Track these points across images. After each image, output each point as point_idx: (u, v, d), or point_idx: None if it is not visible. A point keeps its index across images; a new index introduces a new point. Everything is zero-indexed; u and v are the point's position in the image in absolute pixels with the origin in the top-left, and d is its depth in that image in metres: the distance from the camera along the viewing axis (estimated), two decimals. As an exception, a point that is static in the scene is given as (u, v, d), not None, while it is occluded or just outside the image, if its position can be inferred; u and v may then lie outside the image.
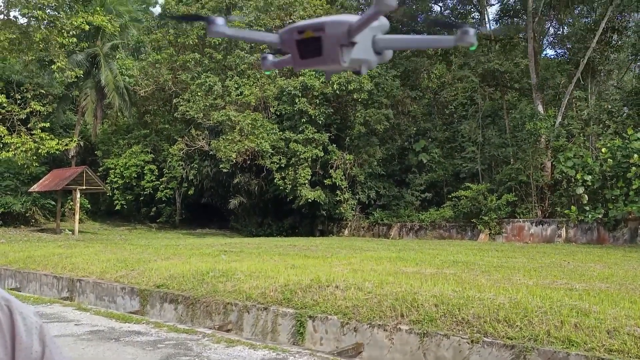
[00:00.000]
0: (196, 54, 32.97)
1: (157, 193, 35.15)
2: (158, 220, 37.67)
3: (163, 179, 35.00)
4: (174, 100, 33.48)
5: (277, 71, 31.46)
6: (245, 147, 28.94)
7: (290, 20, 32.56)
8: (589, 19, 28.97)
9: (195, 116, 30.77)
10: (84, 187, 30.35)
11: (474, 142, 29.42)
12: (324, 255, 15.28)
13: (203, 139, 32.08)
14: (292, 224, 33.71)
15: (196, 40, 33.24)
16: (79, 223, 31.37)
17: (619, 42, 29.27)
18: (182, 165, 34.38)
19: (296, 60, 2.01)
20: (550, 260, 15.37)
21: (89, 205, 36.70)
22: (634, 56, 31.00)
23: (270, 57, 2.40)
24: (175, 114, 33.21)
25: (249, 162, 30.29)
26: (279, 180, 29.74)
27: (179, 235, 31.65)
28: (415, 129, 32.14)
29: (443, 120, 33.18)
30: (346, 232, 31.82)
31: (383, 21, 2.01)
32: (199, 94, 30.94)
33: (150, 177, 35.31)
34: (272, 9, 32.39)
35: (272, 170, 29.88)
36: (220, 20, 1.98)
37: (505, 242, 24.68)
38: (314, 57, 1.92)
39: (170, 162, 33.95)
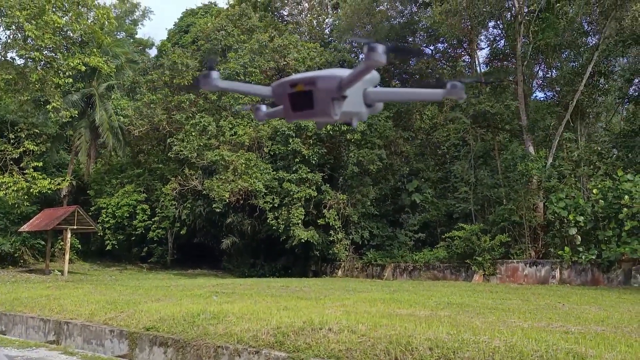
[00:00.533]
0: (191, 94, 33.35)
1: (149, 233, 34.90)
2: (149, 261, 37.27)
3: (155, 218, 34.81)
4: (168, 140, 33.65)
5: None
6: (239, 186, 28.95)
7: (285, 62, 33.14)
8: (576, 63, 29.64)
9: (189, 156, 30.87)
10: (75, 227, 30.09)
11: (466, 182, 29.56)
12: (317, 296, 15.08)
13: (196, 178, 32.09)
14: (285, 264, 33.42)
15: (191, 81, 33.65)
16: (69, 263, 30.94)
17: (606, 86, 29.88)
18: (174, 204, 34.26)
19: (288, 113, 2.05)
20: (545, 302, 15.23)
21: (79, 246, 36.32)
22: (621, 99, 31.65)
23: (263, 107, 2.44)
24: (169, 154, 33.32)
25: (242, 201, 30.24)
26: (272, 220, 29.63)
27: (170, 275, 31.25)
28: (408, 169, 32.33)
29: (436, 161, 33.42)
30: (340, 272, 31.54)
31: (374, 74, 2.06)
32: (193, 133, 31.13)
33: (142, 216, 35.11)
34: (267, 51, 32.98)
35: (266, 210, 29.81)
36: (214, 74, 2.02)
37: (500, 283, 24.49)
38: (305, 109, 1.96)
39: (163, 201, 33.85)
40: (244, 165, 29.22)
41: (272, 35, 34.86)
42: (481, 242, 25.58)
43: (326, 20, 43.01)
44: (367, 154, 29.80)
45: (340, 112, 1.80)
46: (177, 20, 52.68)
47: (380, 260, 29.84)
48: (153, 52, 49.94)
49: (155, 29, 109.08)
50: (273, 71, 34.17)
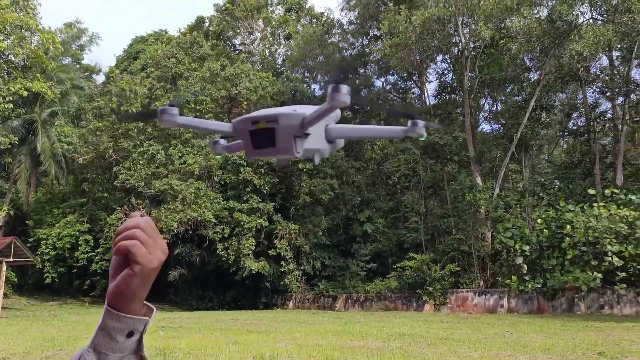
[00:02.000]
0: (139, 122, 32.62)
1: (91, 265, 33.42)
2: (92, 294, 35.60)
3: (99, 249, 33.42)
4: (114, 169, 32.64)
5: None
6: (188, 216, 28.27)
7: (236, 91, 33.01)
8: (519, 97, 30.85)
9: (136, 185, 29.99)
10: (12, 259, 28.45)
11: (417, 212, 29.92)
12: (268, 329, 14.69)
13: (143, 208, 31.13)
14: (234, 296, 32.62)
15: (140, 108, 32.95)
16: (3, 298, 29.14)
17: (547, 120, 31.17)
18: (120, 235, 32.98)
19: (249, 150, 1.97)
20: (494, 331, 15.37)
21: (15, 279, 34.38)
22: (561, 132, 33.04)
23: (221, 141, 2.36)
24: (115, 183, 32.25)
25: (191, 232, 29.50)
26: (222, 250, 28.99)
27: (113, 309, 29.86)
28: (359, 199, 32.48)
29: (387, 191, 33.74)
30: (291, 304, 31.03)
31: (336, 111, 2.02)
32: (140, 162, 30.33)
33: (85, 247, 33.66)
34: (218, 80, 32.78)
35: (215, 240, 29.16)
36: (172, 109, 1.91)
37: (450, 313, 24.64)
38: (267, 147, 1.89)
39: (107, 232, 32.57)
40: (193, 195, 28.61)
41: (224, 64, 34.74)
42: (432, 271, 25.79)
43: (278, 50, 43.36)
44: (319, 184, 29.78)
45: (303, 149, 1.77)
46: (126, 47, 51.96)
47: (332, 291, 29.58)
48: (100, 78, 48.91)
49: (103, 55, 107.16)
50: (225, 100, 33.93)
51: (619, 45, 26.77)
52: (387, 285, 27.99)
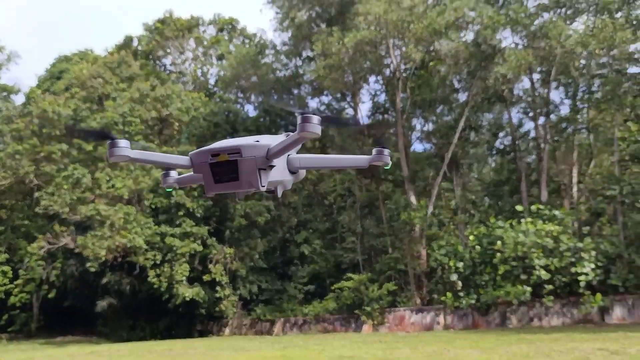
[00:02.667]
0: (63, 144, 30.98)
1: (9, 298, 31.18)
2: (10, 330, 33.18)
3: (18, 281, 31.29)
4: (36, 194, 30.78)
5: (152, 163, 30.37)
6: (117, 243, 26.97)
7: (167, 112, 32.14)
8: (449, 118, 31.79)
9: (60, 211, 28.34)
10: None
11: (353, 232, 29.98)
12: (204, 359, 14.04)
13: (68, 235, 29.45)
14: (167, 325, 31.30)
15: (63, 131, 31.36)
16: None
17: (476, 139, 32.25)
18: (42, 265, 31.05)
19: (209, 185, 1.79)
20: (432, 349, 15.43)
21: None
22: (489, 151, 34.27)
23: (173, 173, 2.17)
24: (36, 209, 30.33)
25: (120, 259, 28.16)
26: (154, 277, 27.80)
27: (35, 345, 27.89)
28: (296, 220, 32.19)
29: (323, 211, 33.65)
30: (227, 331, 30.12)
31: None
32: (65, 187, 28.73)
33: (2, 279, 31.39)
34: (148, 100, 31.80)
35: (146, 267, 27.94)
36: (123, 142, 1.68)
37: (389, 332, 24.68)
38: (229, 181, 1.70)
39: (28, 262, 30.57)
40: (122, 220, 27.35)
41: (154, 84, 33.75)
42: (369, 291, 25.79)
43: (210, 71, 42.72)
44: (255, 206, 29.30)
45: (267, 182, 1.66)
46: (48, 66, 49.53)
47: (270, 315, 28.98)
48: (20, 98, 46.29)
49: (22, 74, 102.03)
50: (155, 121, 32.91)
51: (539, 69, 28.17)
52: (326, 307, 27.74)
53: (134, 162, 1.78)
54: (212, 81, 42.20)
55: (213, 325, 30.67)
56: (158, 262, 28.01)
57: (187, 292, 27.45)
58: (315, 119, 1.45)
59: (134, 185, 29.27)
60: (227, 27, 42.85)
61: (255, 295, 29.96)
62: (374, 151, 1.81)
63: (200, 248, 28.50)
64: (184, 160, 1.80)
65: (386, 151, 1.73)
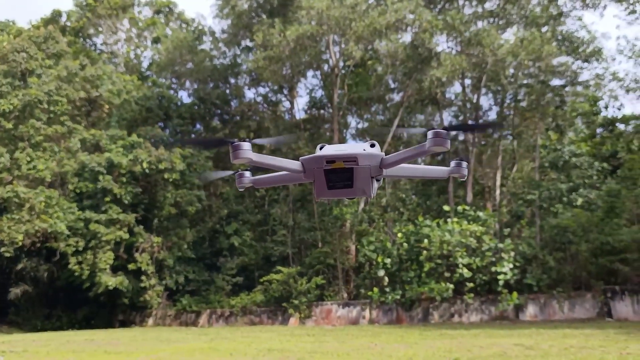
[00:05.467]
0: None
1: None
2: None
3: None
4: (-54, 172, 28.64)
5: (78, 145, 29.08)
6: (36, 227, 25.61)
7: (97, 94, 30.82)
8: (384, 117, 32.45)
9: (-26, 191, 26.56)
10: None
11: (284, 225, 30.01)
12: (128, 349, 13.65)
13: (-19, 217, 27.66)
14: (87, 314, 30.12)
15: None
16: None
17: (409, 139, 33.09)
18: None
19: (321, 190, 1.81)
20: (359, 342, 15.75)
21: None
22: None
23: (247, 174, 2.16)
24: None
25: (38, 245, 26.77)
26: (75, 265, 26.63)
27: (-62, 333, 26.04)
28: (227, 211, 31.79)
29: (255, 204, 33.44)
30: (150, 321, 29.36)
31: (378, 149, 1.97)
32: (-20, 166, 26.98)
33: None
34: (77, 80, 30.34)
35: (68, 254, 26.71)
36: (246, 145, 1.69)
37: (315, 326, 24.93)
38: (343, 187, 1.73)
39: None
40: (43, 204, 26.00)
41: (84, 63, 32.24)
42: (298, 284, 25.94)
43: (144, 54, 41.33)
44: (186, 195, 28.69)
45: (375, 189, 1.74)
46: (-34, 36, 46.20)
47: (196, 306, 28.51)
48: None
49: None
50: (83, 102, 31.46)
51: (471, 74, 29.31)
52: (253, 299, 27.64)
53: (254, 164, 1.80)
54: (145, 64, 40.85)
55: (136, 315, 29.81)
56: (80, 248, 26.85)
57: (110, 280, 26.51)
58: (444, 133, 1.51)
59: (57, 168, 27.88)
60: (164, 9, 41.57)
61: (181, 285, 29.37)
62: (452, 163, 1.89)
63: (127, 236, 27.57)
64: (296, 164, 1.83)
65: (464, 164, 1.82)
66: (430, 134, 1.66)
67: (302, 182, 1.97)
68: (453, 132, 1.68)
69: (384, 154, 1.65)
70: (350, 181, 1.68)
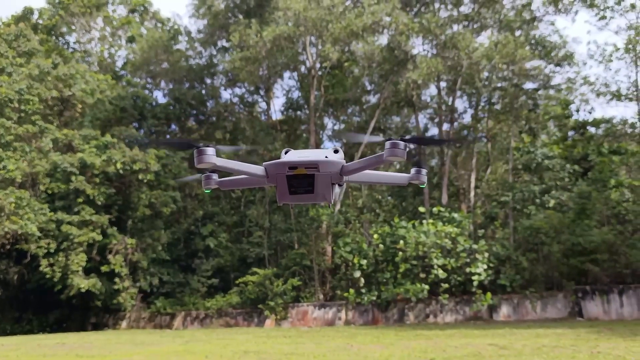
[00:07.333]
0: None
1: None
2: None
3: None
4: None
5: (50, 145, 28.54)
6: (5, 229, 25.02)
7: (70, 93, 30.30)
8: (360, 119, 32.59)
9: (-60, 191, 25.84)
10: None
11: (261, 227, 29.89)
12: (101, 353, 13.43)
13: (-52, 218, 26.91)
14: (58, 318, 29.53)
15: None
16: None
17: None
18: None
19: (283, 195, 1.84)
20: (336, 343, 15.77)
21: None
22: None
23: (214, 176, 2.16)
24: None
25: (8, 247, 26.17)
26: (46, 267, 26.11)
27: None
28: (202, 212, 31.53)
29: (231, 205, 33.23)
30: (124, 324, 28.94)
31: (342, 155, 2.02)
32: (-53, 165, 26.26)
33: None
34: (49, 79, 29.77)
35: (39, 256, 26.16)
36: (210, 150, 1.71)
37: (291, 327, 24.88)
38: (304, 193, 1.76)
39: None
40: (13, 205, 25.41)
41: (56, 62, 31.64)
42: (274, 286, 25.86)
43: (119, 53, 40.75)
44: (161, 196, 28.37)
45: (335, 195, 1.78)
46: None
47: (170, 308, 28.21)
48: None
49: None
50: (55, 101, 30.88)
51: (446, 77, 29.63)
52: (229, 301, 27.46)
53: (218, 169, 1.82)
54: (119, 64, 40.29)
55: (109, 318, 29.34)
56: (52, 250, 26.33)
57: (82, 283, 26.04)
58: (402, 144, 1.53)
59: (28, 168, 27.29)
60: (139, 8, 41.04)
61: (156, 287, 29.01)
62: (412, 170, 1.95)
63: (100, 237, 27.12)
64: (259, 170, 1.85)
65: (423, 171, 1.88)
66: (387, 144, 1.72)
67: (265, 186, 2.02)
68: (410, 145, 1.73)
69: (344, 161, 1.70)
70: (311, 187, 1.73)
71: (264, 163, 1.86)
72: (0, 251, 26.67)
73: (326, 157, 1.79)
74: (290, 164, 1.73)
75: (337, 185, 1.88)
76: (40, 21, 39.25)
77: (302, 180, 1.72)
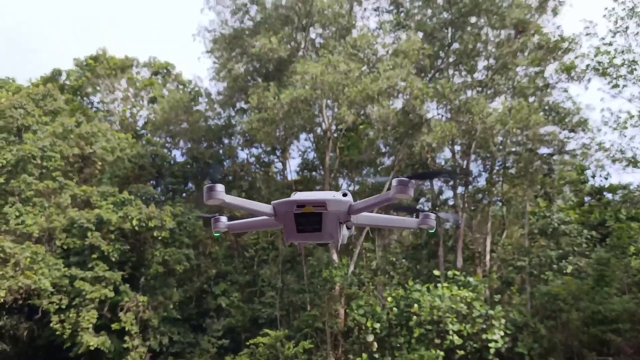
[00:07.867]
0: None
1: None
2: None
3: None
4: None
5: (69, 200, 28.98)
6: (19, 284, 25.10)
7: (91, 150, 31.07)
8: (373, 181, 32.75)
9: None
10: None
11: (273, 287, 29.57)
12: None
13: (-36, 272, 27.08)
14: (66, 376, 29.00)
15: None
16: None
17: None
18: None
19: (291, 233, 1.94)
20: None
21: None
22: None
23: (223, 219, 2.25)
24: None
25: (20, 301, 26.14)
26: (57, 323, 25.95)
27: None
28: (215, 271, 31.36)
29: (244, 264, 33.02)
30: (131, 384, 28.29)
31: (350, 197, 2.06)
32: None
33: None
34: (72, 136, 30.64)
35: (50, 311, 26.06)
36: (219, 187, 1.81)
37: (302, 392, 24.16)
38: (312, 232, 1.85)
39: None
40: (28, 260, 25.59)
41: (80, 120, 32.64)
42: (285, 349, 25.31)
43: (140, 112, 41.91)
44: (174, 253, 28.38)
45: (343, 235, 1.86)
46: (-35, 91, 46.79)
47: (178, 369, 27.64)
48: None
49: None
50: (76, 158, 31.63)
51: (460, 141, 29.92)
52: (239, 364, 26.84)
53: (227, 206, 1.87)
54: (140, 123, 41.37)
55: (116, 378, 28.74)
56: (63, 306, 26.24)
57: (92, 340, 25.75)
58: (410, 183, 1.62)
59: (46, 223, 27.65)
60: (162, 71, 42.53)
61: (165, 347, 28.51)
62: (421, 215, 2.02)
63: (112, 294, 27.03)
64: (267, 208, 1.95)
65: (432, 216, 1.96)
66: (394, 182, 1.76)
67: (274, 229, 2.08)
68: (416, 181, 1.78)
69: (352, 200, 1.75)
70: (319, 225, 1.78)
71: (272, 202, 1.92)
72: (12, 306, 26.61)
73: (334, 196, 1.84)
74: (298, 202, 1.78)
75: (345, 227, 1.95)
76: (68, 82, 40.80)
77: (310, 219, 1.78)
